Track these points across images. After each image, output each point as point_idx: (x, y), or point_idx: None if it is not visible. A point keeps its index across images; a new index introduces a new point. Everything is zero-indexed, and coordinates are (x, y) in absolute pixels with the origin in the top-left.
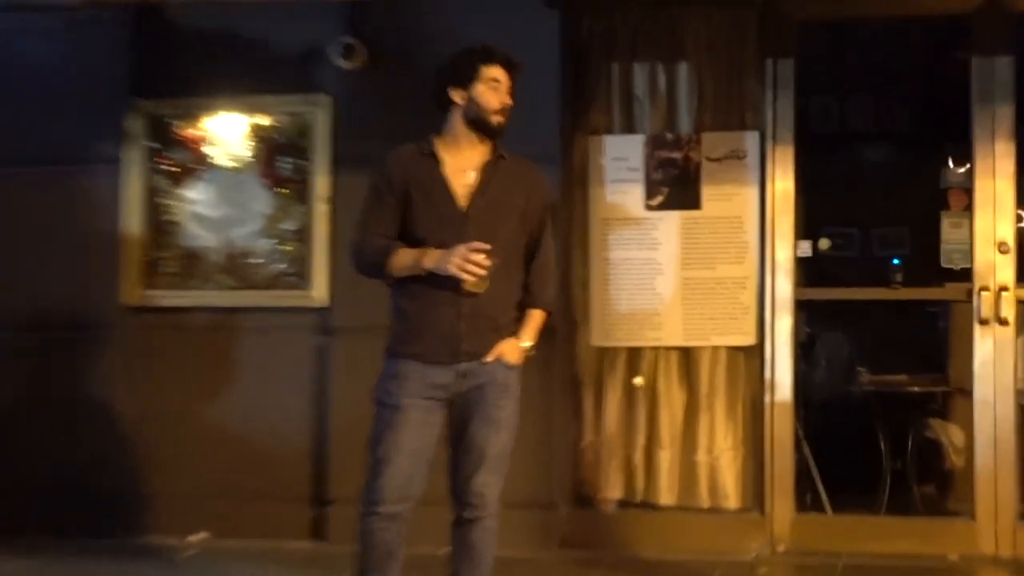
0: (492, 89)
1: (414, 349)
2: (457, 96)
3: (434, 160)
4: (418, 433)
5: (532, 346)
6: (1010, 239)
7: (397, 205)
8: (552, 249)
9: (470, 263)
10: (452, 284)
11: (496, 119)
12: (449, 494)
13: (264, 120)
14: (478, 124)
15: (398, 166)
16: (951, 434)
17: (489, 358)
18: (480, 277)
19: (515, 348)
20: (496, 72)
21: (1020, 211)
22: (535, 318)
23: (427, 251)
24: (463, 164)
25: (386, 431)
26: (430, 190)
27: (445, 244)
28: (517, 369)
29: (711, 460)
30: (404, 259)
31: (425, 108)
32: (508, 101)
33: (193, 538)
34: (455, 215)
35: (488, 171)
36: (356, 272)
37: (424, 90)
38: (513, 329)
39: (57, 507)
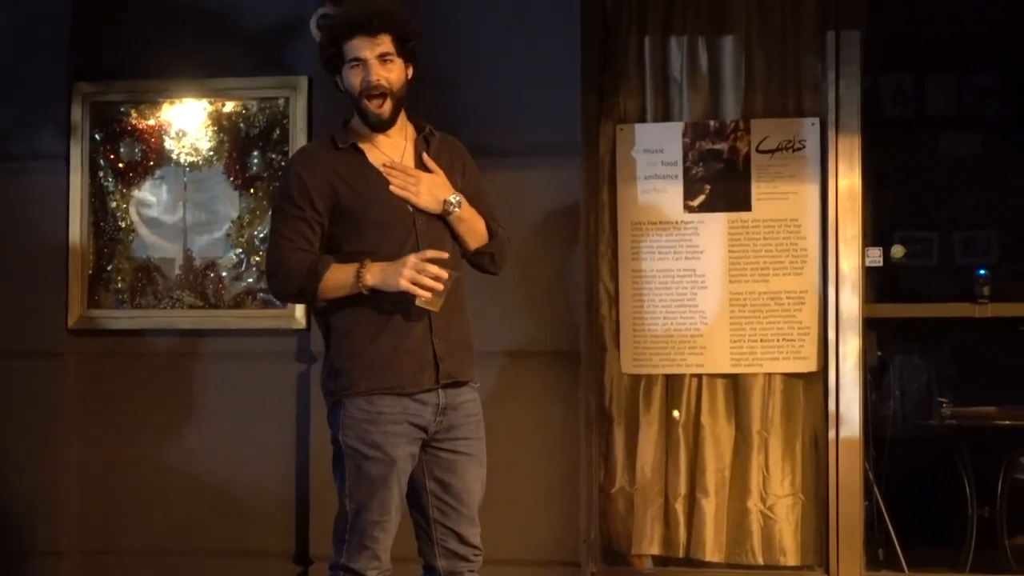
0: (355, 67)
1: (388, 381)
2: (339, 83)
3: (357, 153)
4: (403, 489)
5: (459, 204)
6: None
7: (320, 217)
8: (502, 224)
9: (425, 276)
10: (406, 298)
11: (368, 105)
12: (422, 554)
13: (230, 107)
14: (360, 116)
15: (316, 169)
16: None
17: (397, 168)
18: (436, 292)
19: (441, 185)
20: (355, 47)
21: None
22: (478, 216)
23: (366, 265)
24: (388, 151)
25: (375, 490)
26: (364, 191)
27: (388, 252)
28: (477, 392)
29: (765, 509)
30: (338, 276)
31: (420, 91)
32: (373, 77)
33: None
34: (397, 214)
35: (420, 152)
36: (277, 299)
37: (424, 71)
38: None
39: None
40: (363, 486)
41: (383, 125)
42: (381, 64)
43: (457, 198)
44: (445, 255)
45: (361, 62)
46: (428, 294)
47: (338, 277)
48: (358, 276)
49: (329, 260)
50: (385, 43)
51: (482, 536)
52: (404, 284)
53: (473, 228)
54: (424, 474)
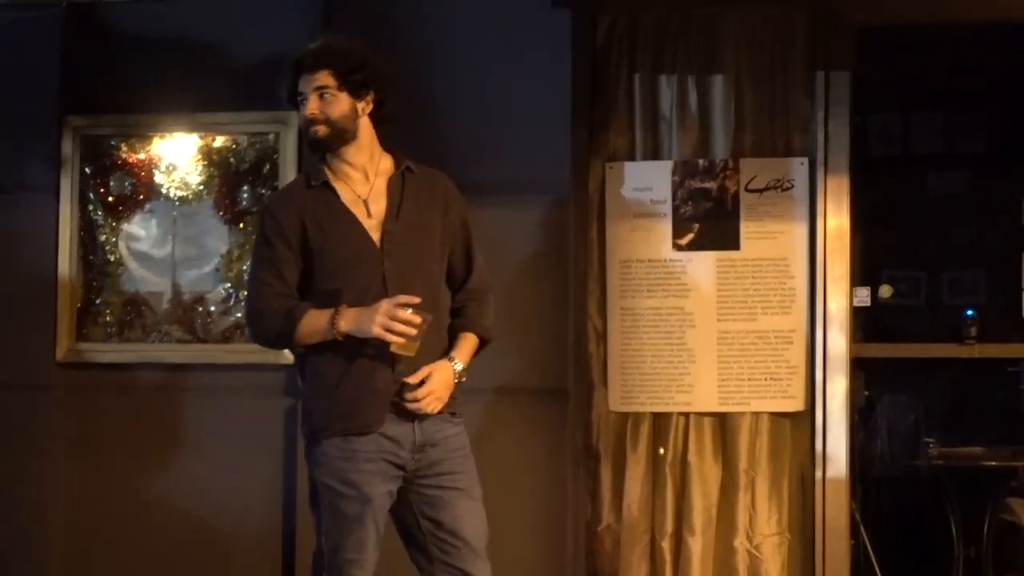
0: (301, 105)
1: (358, 422)
2: None
3: (329, 192)
4: (382, 529)
5: (465, 371)
6: None
7: (294, 256)
8: (486, 271)
9: (397, 322)
10: (379, 341)
11: (311, 136)
12: None
13: (220, 141)
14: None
15: (288, 207)
16: None
17: (414, 379)
18: (410, 338)
19: (446, 371)
20: (300, 84)
21: None
22: (468, 340)
23: (340, 311)
24: (361, 189)
25: (351, 529)
26: (332, 229)
27: (356, 291)
28: (463, 426)
29: (752, 548)
30: (314, 323)
31: (411, 128)
32: (306, 112)
33: None
34: (366, 254)
35: (394, 190)
36: (256, 343)
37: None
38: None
39: None
40: (339, 524)
41: (319, 145)
42: (318, 98)
43: (459, 368)
44: (417, 299)
45: (303, 96)
46: (401, 339)
47: (313, 323)
48: (332, 322)
49: (305, 307)
50: (322, 77)
51: None
52: (377, 331)
53: (471, 358)
54: (416, 514)
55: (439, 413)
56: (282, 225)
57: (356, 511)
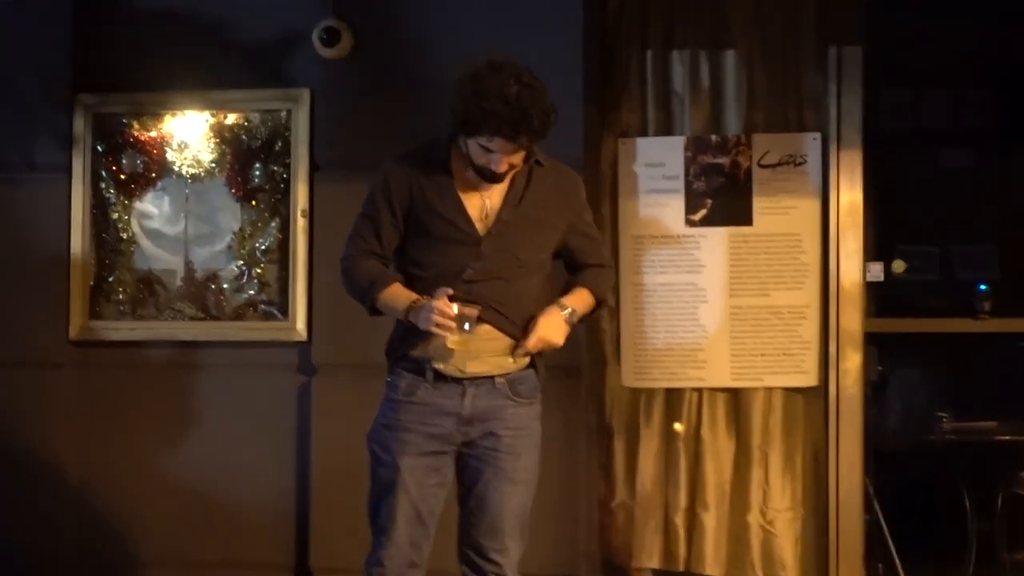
0: (483, 150)
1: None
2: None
3: (446, 173)
4: (420, 495)
5: (576, 313)
6: None
7: (395, 220)
8: (606, 251)
9: (444, 318)
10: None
11: (484, 173)
12: (459, 562)
13: (232, 119)
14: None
15: (402, 176)
16: None
17: (529, 344)
18: (462, 332)
19: (552, 313)
20: (495, 144)
21: None
22: (580, 292)
23: (416, 303)
24: (479, 184)
25: (384, 495)
26: (435, 204)
27: (449, 270)
28: (535, 408)
29: (765, 523)
30: (392, 302)
31: (420, 103)
32: (498, 170)
33: None
34: (464, 237)
35: (518, 182)
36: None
37: (419, 84)
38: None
39: None
40: (375, 488)
41: (493, 178)
42: (512, 156)
43: (567, 311)
44: (450, 292)
45: (494, 154)
46: (448, 334)
47: (392, 302)
48: (406, 312)
49: (388, 281)
50: (522, 144)
51: None
52: (425, 326)
53: (586, 312)
54: (458, 482)
55: (498, 387)
56: (391, 189)
57: (389, 478)
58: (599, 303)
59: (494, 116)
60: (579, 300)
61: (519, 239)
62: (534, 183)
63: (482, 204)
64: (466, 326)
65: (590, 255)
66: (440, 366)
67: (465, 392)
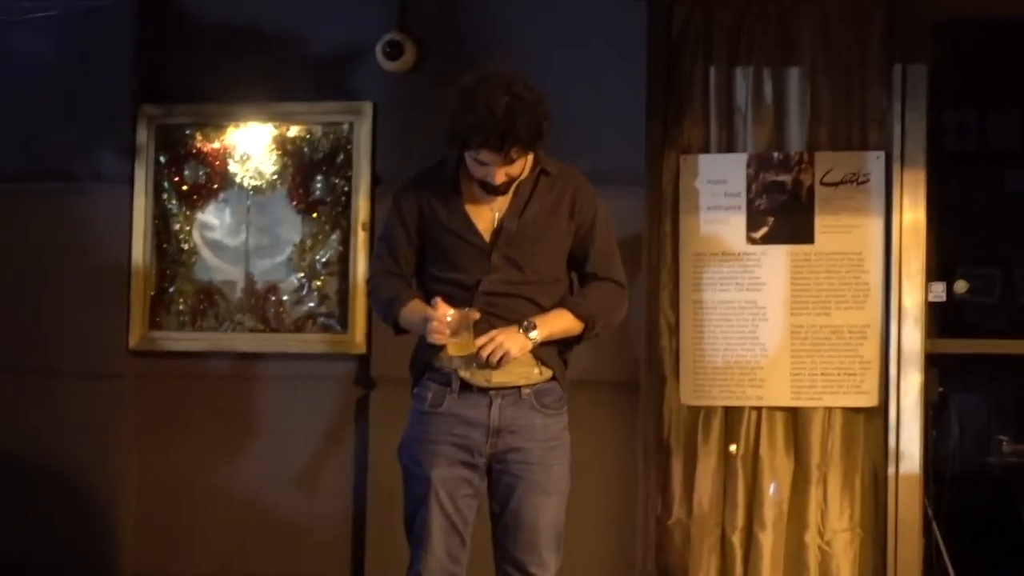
0: (477, 163)
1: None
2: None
3: (454, 189)
4: (453, 506)
5: (538, 330)
6: None
7: (410, 238)
8: (615, 264)
9: (433, 321)
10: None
11: (485, 185)
12: None
13: (294, 131)
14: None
15: (411, 196)
16: None
17: (481, 340)
18: (460, 340)
19: (510, 329)
20: (484, 156)
21: None
22: (555, 312)
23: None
24: (485, 196)
25: (417, 507)
26: (443, 218)
27: (468, 280)
28: (562, 419)
29: (823, 543)
30: (411, 318)
31: None
32: (494, 181)
33: None
34: (474, 250)
35: (523, 191)
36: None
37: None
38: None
39: None
40: (408, 501)
41: (495, 191)
42: (505, 167)
43: (534, 334)
44: (438, 300)
45: (488, 167)
46: (441, 338)
47: (411, 318)
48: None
49: (405, 299)
50: (511, 155)
51: None
52: (429, 336)
53: (563, 332)
54: (490, 498)
55: (524, 397)
56: (403, 210)
57: (421, 490)
58: (586, 322)
59: (479, 128)
60: (551, 320)
61: (526, 248)
62: (539, 192)
63: (492, 216)
64: (463, 331)
65: (591, 264)
66: (466, 375)
67: (492, 403)
